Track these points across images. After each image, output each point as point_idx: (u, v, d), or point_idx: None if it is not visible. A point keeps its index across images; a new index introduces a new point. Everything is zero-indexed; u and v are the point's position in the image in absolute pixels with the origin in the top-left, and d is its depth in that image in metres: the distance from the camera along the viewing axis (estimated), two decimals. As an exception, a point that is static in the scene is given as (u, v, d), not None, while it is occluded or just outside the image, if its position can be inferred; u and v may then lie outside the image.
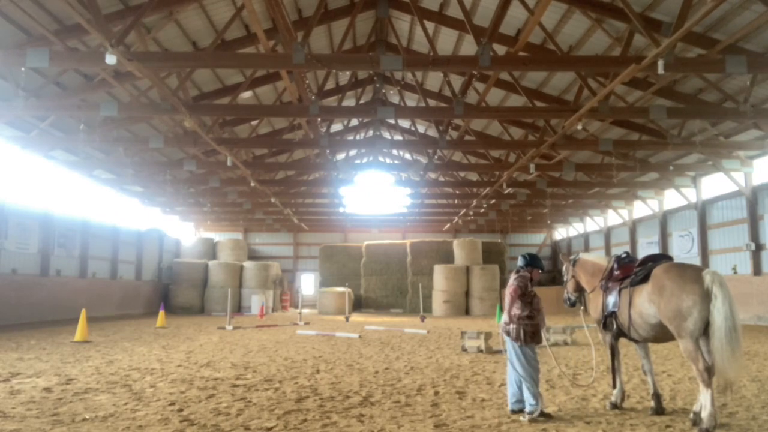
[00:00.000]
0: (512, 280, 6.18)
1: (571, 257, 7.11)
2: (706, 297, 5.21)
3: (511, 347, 6.03)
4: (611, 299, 6.13)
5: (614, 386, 6.31)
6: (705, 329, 5.27)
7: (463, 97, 15.75)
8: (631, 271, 6.11)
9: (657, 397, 6.10)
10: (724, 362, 5.05)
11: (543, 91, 18.77)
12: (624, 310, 5.95)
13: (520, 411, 5.90)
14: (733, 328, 5.06)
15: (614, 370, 6.31)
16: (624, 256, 6.39)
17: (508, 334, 6.04)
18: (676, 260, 6.19)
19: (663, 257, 6.09)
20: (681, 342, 5.39)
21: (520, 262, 6.38)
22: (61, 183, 22.29)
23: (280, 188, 27.50)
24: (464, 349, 11.82)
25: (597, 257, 6.89)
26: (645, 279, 5.82)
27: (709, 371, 5.19)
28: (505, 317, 6.14)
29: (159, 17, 13.81)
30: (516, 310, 6.00)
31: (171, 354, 11.09)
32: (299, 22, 16.24)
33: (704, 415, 5.18)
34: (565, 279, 7.12)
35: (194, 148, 19.55)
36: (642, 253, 29.29)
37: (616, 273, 6.24)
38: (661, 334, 5.72)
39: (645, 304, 5.71)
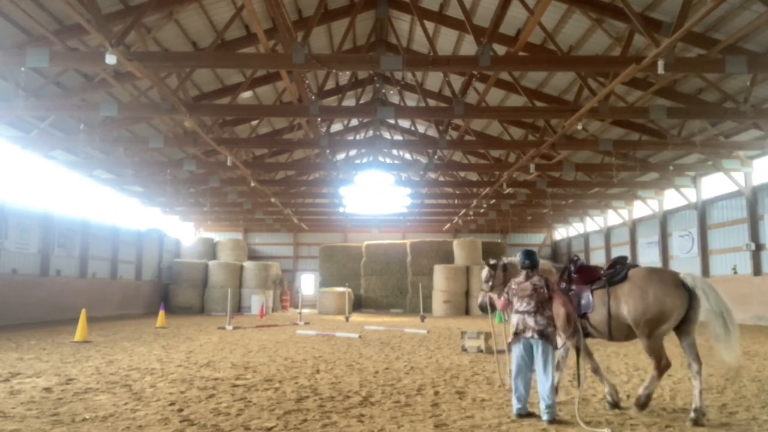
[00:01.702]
0: (547, 282, 5.87)
1: (492, 262, 6.90)
2: (686, 300, 5.72)
3: (546, 350, 5.70)
4: (583, 301, 6.18)
5: (578, 384, 6.32)
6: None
7: (463, 97, 15.76)
8: (595, 273, 6.24)
9: (613, 388, 6.30)
10: (725, 352, 5.60)
11: (543, 91, 18.77)
12: (600, 310, 6.04)
13: (528, 415, 5.76)
14: (729, 318, 5.59)
15: (595, 371, 6.42)
16: (576, 259, 6.52)
17: (545, 336, 5.68)
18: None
19: (626, 259, 6.37)
20: (650, 341, 5.79)
21: (528, 261, 5.98)
22: (61, 183, 22.29)
23: (280, 188, 27.49)
24: (464, 349, 11.82)
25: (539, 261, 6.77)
26: (622, 280, 6.02)
27: (668, 367, 5.85)
28: (539, 320, 5.72)
29: (159, 17, 13.80)
30: (550, 312, 5.81)
31: (171, 354, 11.09)
32: (299, 22, 16.24)
33: (643, 392, 5.91)
34: (490, 284, 6.77)
35: (194, 148, 19.55)
36: (642, 254, 29.35)
37: (575, 276, 6.31)
38: (632, 333, 6.01)
39: (624, 306, 5.90)
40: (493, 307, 6.72)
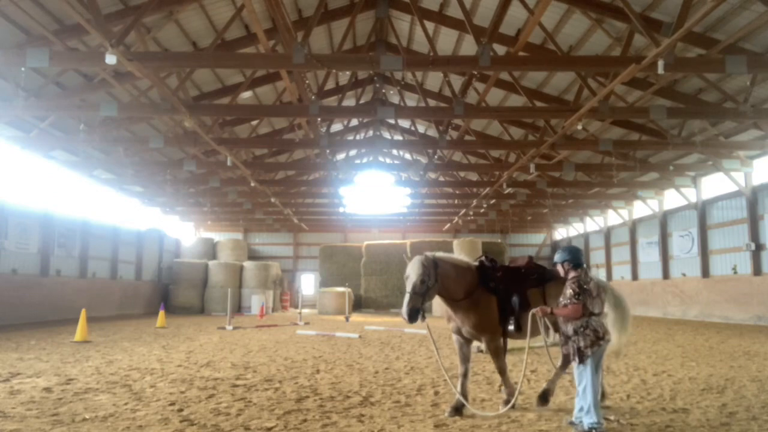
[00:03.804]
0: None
1: (421, 256, 5.93)
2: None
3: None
4: (515, 299, 6.01)
5: (507, 386, 6.24)
6: None
7: (463, 97, 15.75)
8: (520, 273, 6.19)
9: (465, 397, 6.08)
10: (617, 334, 6.17)
11: (543, 91, 18.78)
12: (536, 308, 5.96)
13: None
14: (626, 312, 6.31)
15: (505, 371, 6.30)
16: (487, 257, 6.43)
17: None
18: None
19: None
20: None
21: (575, 258, 5.43)
22: (61, 183, 22.29)
23: (280, 188, 27.50)
24: (464, 349, 11.79)
25: (456, 257, 6.44)
26: (551, 279, 6.21)
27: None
28: (604, 321, 5.51)
29: (159, 17, 13.82)
30: None
31: (171, 354, 11.09)
32: (299, 22, 16.24)
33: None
34: (428, 285, 5.76)
35: (194, 148, 19.55)
36: (642, 254, 29.36)
37: (499, 275, 6.16)
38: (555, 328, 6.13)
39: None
40: (423, 316, 5.75)
